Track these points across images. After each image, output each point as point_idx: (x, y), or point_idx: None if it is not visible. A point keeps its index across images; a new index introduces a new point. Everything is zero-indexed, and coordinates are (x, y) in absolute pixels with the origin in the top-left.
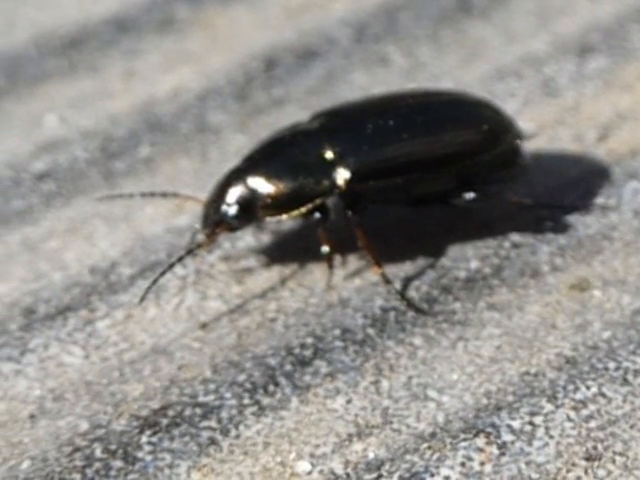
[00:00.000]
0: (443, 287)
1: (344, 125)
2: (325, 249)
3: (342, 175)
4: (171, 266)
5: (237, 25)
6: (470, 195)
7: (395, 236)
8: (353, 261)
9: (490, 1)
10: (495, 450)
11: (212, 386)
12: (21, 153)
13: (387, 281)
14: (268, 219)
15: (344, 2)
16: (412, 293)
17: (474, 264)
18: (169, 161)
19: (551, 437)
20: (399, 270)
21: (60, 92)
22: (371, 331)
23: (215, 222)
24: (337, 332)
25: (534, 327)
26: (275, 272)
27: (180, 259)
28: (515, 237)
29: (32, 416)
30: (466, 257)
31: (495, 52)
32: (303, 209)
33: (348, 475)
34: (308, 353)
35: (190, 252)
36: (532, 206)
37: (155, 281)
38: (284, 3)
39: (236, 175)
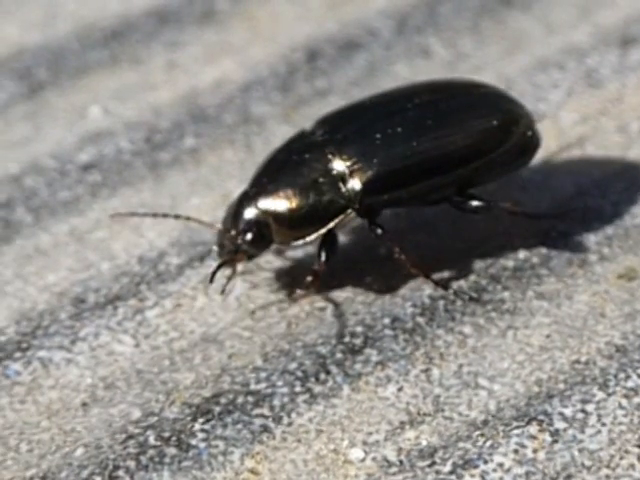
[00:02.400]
0: (491, 276)
1: (352, 135)
2: (309, 279)
3: (356, 191)
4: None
5: (278, 16)
6: (475, 204)
7: (442, 226)
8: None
9: None
10: (548, 437)
11: (263, 374)
12: (66, 145)
13: (432, 281)
14: (284, 244)
15: None
16: (460, 282)
17: (522, 253)
18: (214, 152)
19: (603, 425)
20: (446, 260)
21: (103, 84)
22: (421, 320)
23: (232, 251)
24: (387, 321)
25: (583, 316)
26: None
27: (213, 277)
28: (562, 227)
29: (84, 404)
30: (514, 246)
31: (537, 43)
32: (322, 230)
33: (401, 462)
34: (358, 342)
35: (214, 272)
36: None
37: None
38: None
39: (247, 202)
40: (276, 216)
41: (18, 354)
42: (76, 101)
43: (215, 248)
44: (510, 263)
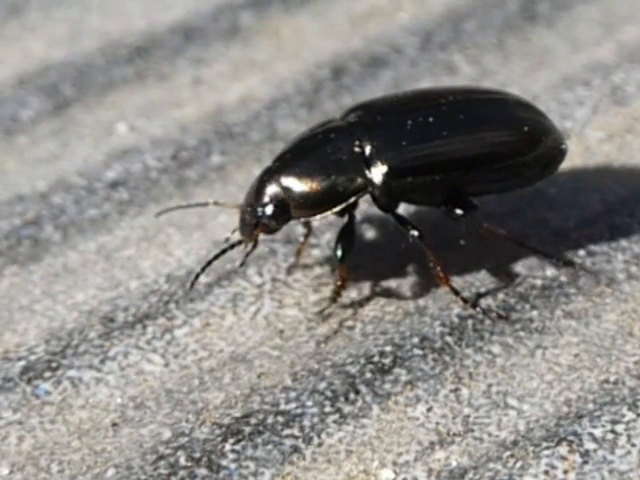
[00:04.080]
0: (520, 295)
1: (382, 119)
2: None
3: (380, 170)
4: (204, 268)
5: (303, 33)
6: (458, 211)
7: (470, 244)
8: (427, 269)
9: (554, 9)
10: (578, 458)
11: (293, 394)
12: (93, 162)
13: (461, 299)
14: (303, 219)
15: (409, 10)
16: (489, 301)
17: (550, 272)
18: (241, 169)
19: (633, 445)
20: (475, 278)
21: (129, 101)
22: (449, 339)
23: (252, 225)
24: (415, 340)
25: (611, 335)
26: (350, 280)
27: (216, 257)
28: (590, 245)
29: (114, 424)
30: (542, 265)
31: (561, 60)
32: (337, 208)
33: None
34: (387, 361)
35: (224, 251)
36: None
37: (192, 285)
38: (349, 11)
39: (269, 176)
40: (296, 191)
41: (48, 373)
42: (102, 118)
43: (238, 225)
44: (538, 282)
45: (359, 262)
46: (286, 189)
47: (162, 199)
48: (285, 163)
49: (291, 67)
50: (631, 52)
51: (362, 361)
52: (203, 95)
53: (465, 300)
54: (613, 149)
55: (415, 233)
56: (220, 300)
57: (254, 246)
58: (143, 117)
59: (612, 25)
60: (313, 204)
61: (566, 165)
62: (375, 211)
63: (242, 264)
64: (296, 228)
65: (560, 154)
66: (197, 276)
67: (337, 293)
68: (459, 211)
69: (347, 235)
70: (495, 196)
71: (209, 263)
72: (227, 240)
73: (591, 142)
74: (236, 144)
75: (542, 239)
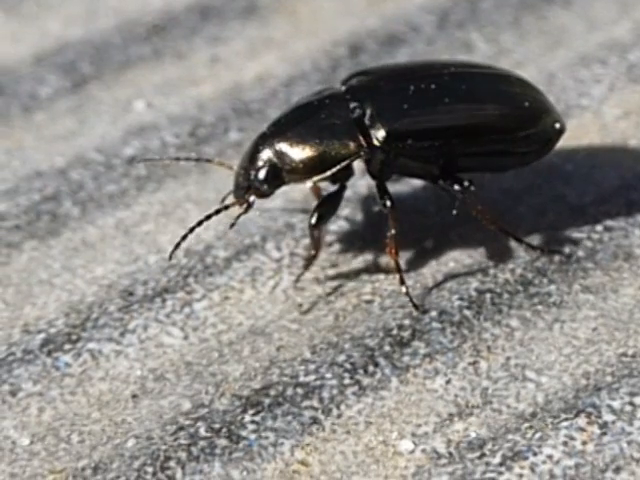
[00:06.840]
0: (538, 270)
1: (385, 84)
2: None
3: (380, 132)
4: (199, 223)
5: (319, 11)
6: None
7: None
8: (445, 244)
9: None
10: (597, 430)
11: (312, 366)
12: (111, 138)
13: (405, 286)
14: (295, 183)
15: None
16: (507, 275)
17: (568, 247)
18: None
19: None
20: (493, 252)
21: (146, 78)
22: (468, 313)
23: (245, 188)
24: (434, 314)
25: (629, 309)
26: (368, 255)
27: (208, 217)
28: (607, 221)
29: (134, 396)
30: (559, 240)
31: (578, 39)
32: (328, 172)
33: (451, 454)
34: (406, 334)
35: (218, 212)
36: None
37: (184, 237)
38: None
39: (262, 141)
40: (288, 155)
41: (68, 346)
42: (120, 95)
43: (232, 187)
44: (556, 256)
45: (377, 236)
46: (278, 153)
47: (180, 175)
48: (279, 128)
49: (308, 45)
50: None
51: (381, 334)
52: (220, 73)
53: (409, 296)
54: (629, 126)
55: (388, 203)
56: (239, 274)
57: (246, 209)
58: (160, 94)
59: (628, 4)
60: (304, 168)
61: (583, 142)
62: (392, 187)
63: (232, 225)
64: (314, 202)
65: (557, 134)
66: (184, 237)
67: (309, 262)
68: (457, 187)
69: (330, 203)
70: (512, 172)
71: (192, 229)
72: (223, 200)
73: (608, 119)
74: (254, 121)
75: (559, 215)
